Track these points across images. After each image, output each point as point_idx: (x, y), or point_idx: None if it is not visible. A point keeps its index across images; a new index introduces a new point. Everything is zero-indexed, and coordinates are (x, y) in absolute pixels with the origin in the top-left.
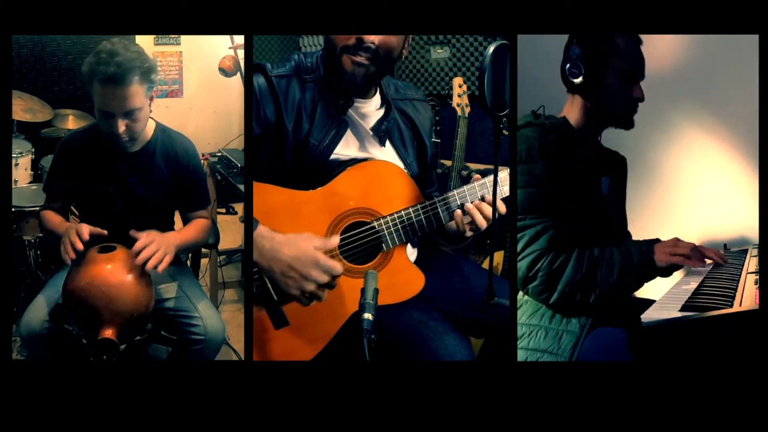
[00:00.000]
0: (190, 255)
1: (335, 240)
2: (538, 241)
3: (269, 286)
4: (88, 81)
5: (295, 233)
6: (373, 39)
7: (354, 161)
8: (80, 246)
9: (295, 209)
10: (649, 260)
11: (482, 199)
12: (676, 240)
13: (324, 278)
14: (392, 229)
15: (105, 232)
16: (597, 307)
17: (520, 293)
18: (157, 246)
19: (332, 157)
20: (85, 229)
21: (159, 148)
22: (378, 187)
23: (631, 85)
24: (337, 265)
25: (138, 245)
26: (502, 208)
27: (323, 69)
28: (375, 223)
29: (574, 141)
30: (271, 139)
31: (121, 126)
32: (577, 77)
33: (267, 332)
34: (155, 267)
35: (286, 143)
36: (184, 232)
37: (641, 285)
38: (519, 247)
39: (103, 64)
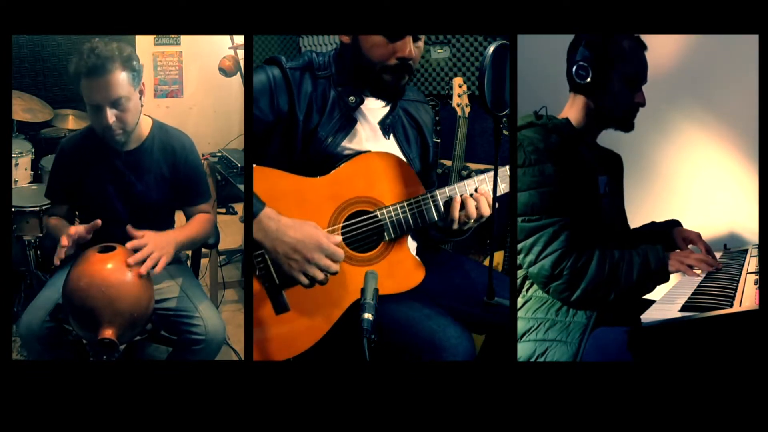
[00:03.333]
0: (190, 255)
1: (337, 238)
2: (558, 241)
3: (272, 269)
4: (75, 81)
5: (301, 219)
6: (413, 56)
7: (358, 152)
8: (65, 243)
9: (300, 195)
10: (664, 265)
11: (476, 190)
12: (690, 251)
13: (326, 262)
14: (394, 219)
15: (98, 222)
16: (605, 307)
17: (523, 291)
18: (151, 248)
19: (338, 149)
20: (73, 230)
21: (156, 145)
22: (381, 177)
23: (634, 90)
24: (339, 251)
25: (131, 245)
26: (486, 210)
27: (335, 67)
28: (378, 213)
29: (577, 141)
30: (281, 128)
31: (111, 117)
32: (584, 79)
33: (267, 320)
34: (149, 270)
35: (296, 133)
36: (187, 228)
37: (655, 287)
38: (538, 247)
39: (83, 59)
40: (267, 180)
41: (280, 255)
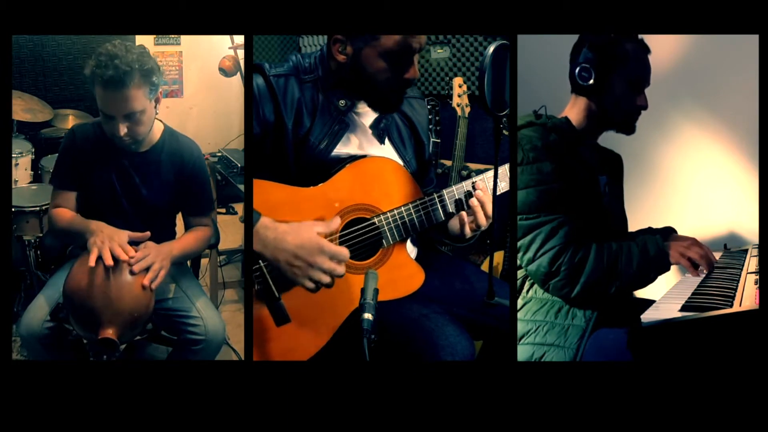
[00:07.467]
0: None
1: (336, 222)
2: (555, 237)
3: (270, 282)
4: (90, 83)
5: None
6: (416, 76)
7: (353, 158)
8: (125, 257)
9: (296, 206)
10: (664, 254)
11: (474, 188)
12: (691, 242)
13: (330, 264)
14: (392, 225)
15: (148, 233)
16: (606, 303)
17: (523, 292)
18: (153, 258)
19: (332, 154)
20: (125, 236)
21: (166, 151)
22: (378, 183)
23: (637, 93)
24: (342, 250)
25: (134, 260)
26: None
27: (321, 70)
28: (375, 219)
29: (576, 141)
30: (271, 138)
31: (122, 129)
32: (587, 81)
33: (268, 330)
34: (151, 282)
35: (286, 142)
36: (184, 241)
37: (656, 277)
38: (536, 245)
39: (101, 67)
40: (260, 192)
41: (282, 263)
